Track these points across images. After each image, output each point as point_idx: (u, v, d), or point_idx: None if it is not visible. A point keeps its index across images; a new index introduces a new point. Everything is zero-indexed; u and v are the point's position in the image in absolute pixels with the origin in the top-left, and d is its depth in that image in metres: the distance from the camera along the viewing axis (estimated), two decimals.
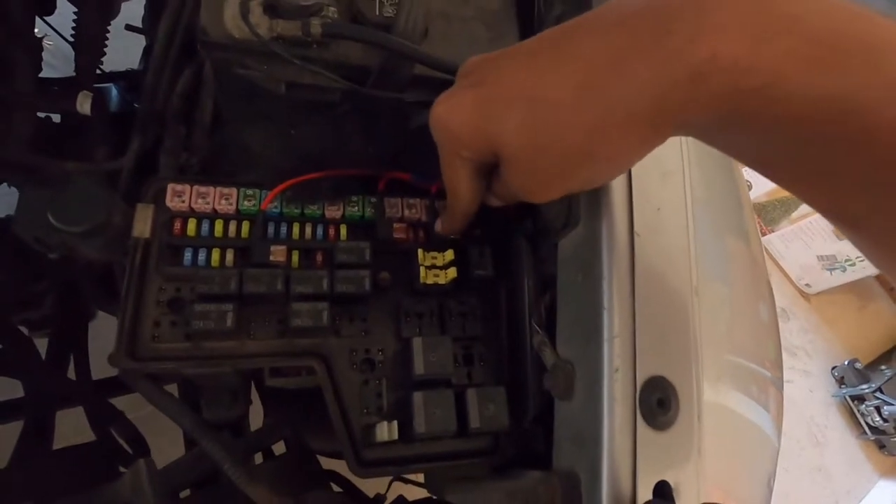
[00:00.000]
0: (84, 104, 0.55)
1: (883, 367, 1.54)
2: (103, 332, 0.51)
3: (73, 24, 0.69)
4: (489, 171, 0.27)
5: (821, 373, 1.62)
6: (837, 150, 0.17)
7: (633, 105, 0.19)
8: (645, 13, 0.18)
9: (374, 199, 0.34)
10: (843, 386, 1.57)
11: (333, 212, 0.33)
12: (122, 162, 0.42)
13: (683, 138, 0.31)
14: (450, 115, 0.24)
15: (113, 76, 0.76)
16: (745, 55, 0.16)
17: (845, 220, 0.19)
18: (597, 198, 0.28)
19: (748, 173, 1.35)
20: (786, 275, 1.72)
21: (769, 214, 1.65)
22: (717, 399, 0.35)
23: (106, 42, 0.72)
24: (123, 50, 0.81)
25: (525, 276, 0.33)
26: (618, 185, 0.27)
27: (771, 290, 0.49)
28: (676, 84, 0.17)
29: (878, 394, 1.47)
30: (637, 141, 0.20)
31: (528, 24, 0.37)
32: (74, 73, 0.68)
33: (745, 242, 0.46)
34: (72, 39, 0.68)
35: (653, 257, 0.27)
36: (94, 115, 0.55)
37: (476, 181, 0.27)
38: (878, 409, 1.46)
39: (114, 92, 0.74)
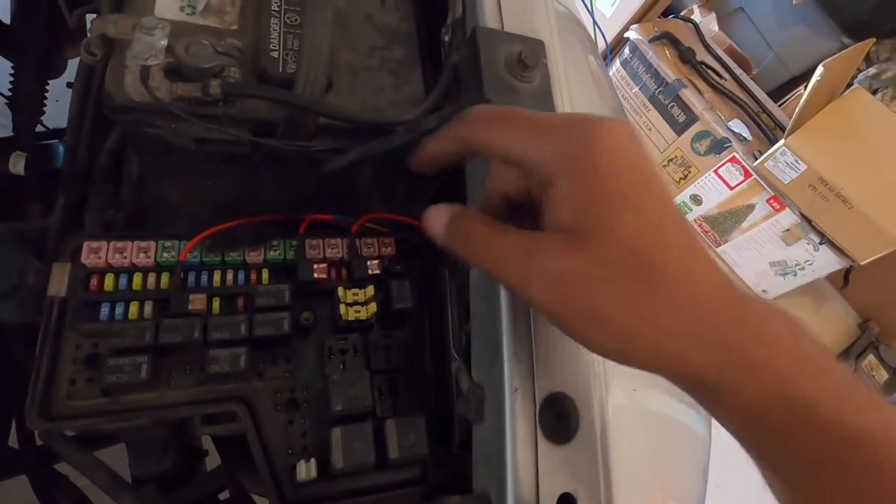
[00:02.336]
0: (17, 164, 0.55)
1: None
2: None
3: (10, 83, 0.69)
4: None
5: None
6: (844, 474, 0.19)
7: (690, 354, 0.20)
8: (730, 297, 0.21)
9: (295, 242, 0.35)
10: None
11: (255, 257, 0.34)
12: (49, 221, 0.43)
13: None
14: (625, 155, 0.21)
15: (58, 132, 0.77)
16: (788, 369, 0.19)
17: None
18: None
19: (698, 188, 1.41)
20: (744, 283, 1.78)
21: (721, 226, 1.73)
22: (639, 403, 0.37)
23: (44, 99, 0.73)
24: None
25: (448, 304, 0.35)
26: None
27: None
28: (730, 362, 0.20)
29: None
30: (658, 368, 0.21)
31: (437, 68, 0.40)
32: (12, 132, 0.68)
33: None
34: (8, 96, 0.68)
35: None
36: (28, 175, 0.56)
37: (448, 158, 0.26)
38: None
39: (60, 148, 0.74)
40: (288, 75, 0.31)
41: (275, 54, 0.31)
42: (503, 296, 0.28)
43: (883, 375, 1.62)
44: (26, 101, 0.66)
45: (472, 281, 0.32)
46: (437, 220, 0.25)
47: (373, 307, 0.34)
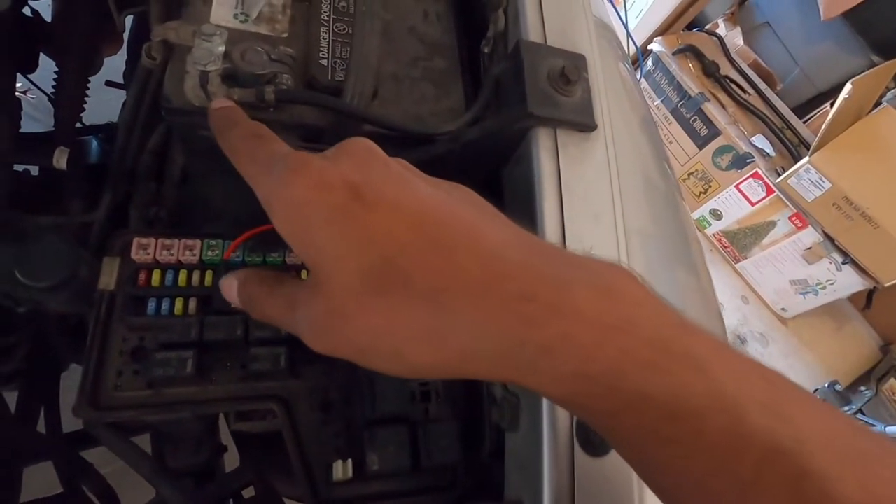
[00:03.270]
0: (60, 159, 0.57)
1: (862, 388, 1.57)
2: (75, 384, 0.51)
3: (54, 81, 0.72)
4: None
5: None
6: (672, 449, 0.17)
7: (480, 354, 0.19)
8: (514, 276, 0.19)
9: None
10: None
11: (294, 258, 0.35)
12: (94, 215, 0.44)
13: (615, 179, 0.33)
14: (314, 190, 0.20)
15: (93, 129, 0.79)
16: (590, 344, 0.17)
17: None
18: None
19: (718, 203, 1.40)
20: (762, 300, 1.76)
21: (740, 242, 1.71)
22: None
23: (86, 97, 0.75)
24: (106, 102, 0.84)
25: None
26: (551, 229, 0.30)
27: (723, 322, 0.51)
28: (524, 347, 0.18)
29: (859, 415, 1.48)
30: (455, 374, 0.20)
31: (476, 79, 0.40)
32: (54, 128, 0.70)
33: (694, 276, 0.49)
34: (52, 94, 0.71)
35: None
36: (70, 170, 0.57)
37: None
38: None
39: (94, 144, 0.76)
40: (337, 83, 0.32)
41: (324, 62, 0.32)
42: None
43: None
44: (68, 98, 0.68)
45: None
46: (231, 289, 0.25)
47: None
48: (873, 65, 1.58)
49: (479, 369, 0.19)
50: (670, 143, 1.73)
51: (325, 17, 0.34)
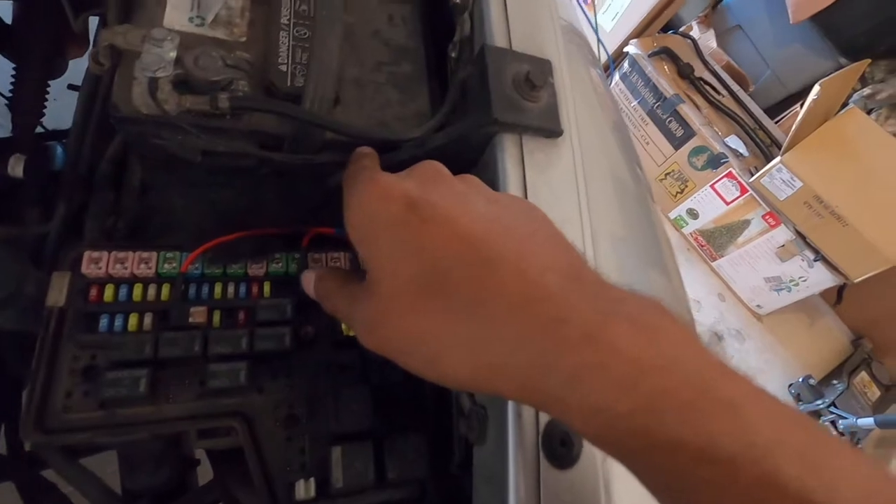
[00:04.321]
0: (16, 167, 0.54)
1: (835, 381, 1.60)
2: None
3: (11, 83, 0.69)
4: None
5: (778, 390, 1.66)
6: (705, 492, 0.17)
7: (510, 372, 0.19)
8: (552, 299, 0.19)
9: (297, 255, 0.35)
10: (799, 402, 1.62)
11: (257, 270, 0.34)
12: (48, 226, 0.42)
13: (581, 185, 0.33)
14: (378, 201, 0.23)
15: (57, 134, 0.76)
16: (623, 379, 0.17)
17: None
18: None
19: (694, 202, 1.42)
20: (738, 298, 1.79)
21: (716, 240, 1.74)
22: None
23: (45, 101, 0.72)
24: (72, 106, 0.81)
25: None
26: None
27: (694, 323, 0.51)
28: (553, 371, 0.18)
29: (832, 408, 1.52)
30: (483, 389, 0.21)
31: (444, 82, 0.40)
32: (11, 133, 0.67)
33: (666, 277, 0.49)
34: (8, 96, 0.68)
35: None
36: (27, 178, 0.55)
37: None
38: (833, 423, 1.51)
39: (58, 150, 0.73)
40: (296, 89, 0.31)
41: (283, 68, 0.31)
42: None
43: (875, 393, 1.63)
44: (27, 102, 0.66)
45: None
46: (309, 282, 0.29)
47: None
48: (840, 66, 1.63)
49: (506, 387, 0.20)
50: (647, 144, 1.76)
51: (285, 21, 0.33)
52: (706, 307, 1.75)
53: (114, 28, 0.28)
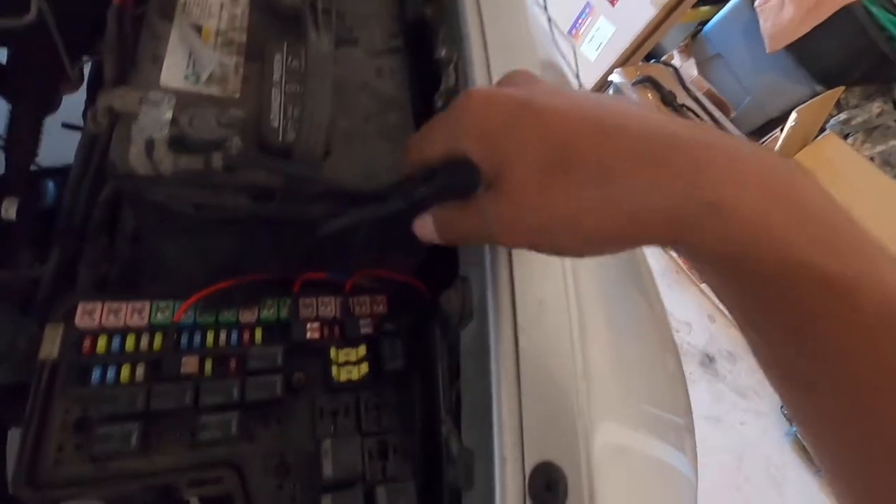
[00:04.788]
0: (10, 210, 0.55)
1: None
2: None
3: (7, 122, 0.70)
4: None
5: (772, 412, 1.67)
6: (818, 314, 0.18)
7: (648, 216, 0.21)
8: (686, 148, 0.20)
9: (288, 301, 0.36)
10: (793, 424, 1.62)
11: (248, 316, 0.34)
12: (42, 270, 0.43)
13: None
14: (487, 106, 0.24)
15: (50, 172, 0.77)
16: (760, 209, 0.19)
17: (800, 384, 0.21)
18: (484, 295, 0.31)
19: None
20: (728, 319, 1.81)
21: None
22: (629, 439, 0.37)
23: (39, 140, 0.73)
24: (65, 142, 0.82)
25: (438, 363, 0.35)
26: (503, 282, 0.30)
27: (675, 343, 0.52)
28: (693, 204, 0.20)
29: None
30: (625, 241, 0.23)
31: None
32: (4, 172, 0.68)
33: (646, 302, 0.50)
34: (3, 137, 0.69)
35: (538, 349, 0.29)
36: (20, 220, 0.55)
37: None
38: None
39: (50, 186, 0.74)
40: (288, 144, 0.32)
41: (275, 123, 0.33)
42: (493, 357, 0.29)
43: None
44: (21, 142, 0.67)
45: (464, 343, 0.33)
46: (426, 227, 0.29)
47: (364, 367, 0.34)
48: (817, 93, 1.69)
49: (648, 233, 0.21)
50: None
51: (277, 78, 0.35)
52: (697, 329, 1.76)
53: (112, 91, 0.29)
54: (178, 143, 0.29)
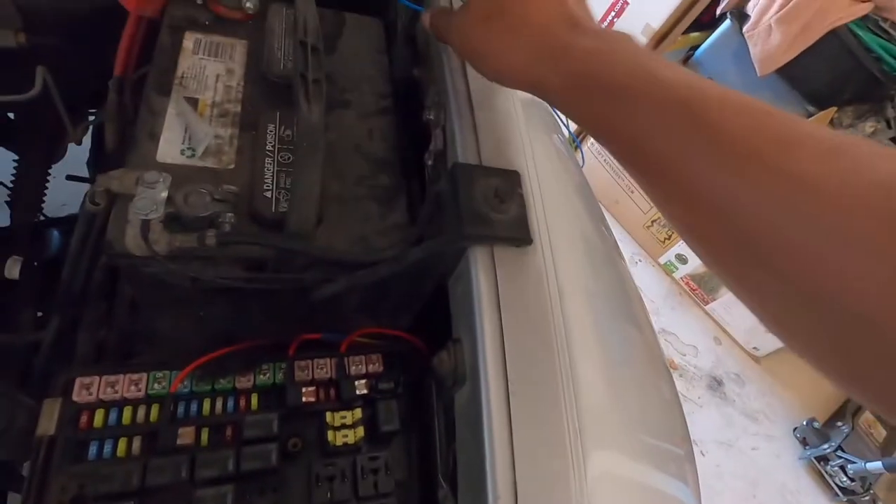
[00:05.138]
0: (13, 269, 0.56)
1: (839, 423, 1.58)
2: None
3: (13, 175, 0.71)
4: None
5: (784, 435, 1.64)
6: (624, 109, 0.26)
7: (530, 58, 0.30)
8: (579, 27, 0.29)
9: (283, 365, 0.36)
10: (806, 447, 1.59)
11: (244, 382, 0.35)
12: (41, 335, 0.43)
13: (553, 290, 0.35)
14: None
15: (54, 221, 0.79)
16: (591, 51, 0.28)
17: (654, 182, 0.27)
18: (475, 360, 0.31)
19: (682, 247, 1.45)
20: (734, 340, 1.79)
21: (707, 284, 1.75)
22: (634, 477, 0.37)
23: (45, 193, 0.75)
24: (69, 188, 0.84)
25: (434, 422, 0.36)
26: (493, 347, 0.31)
27: (668, 370, 0.52)
28: (544, 57, 0.29)
29: (839, 452, 1.49)
30: (521, 85, 0.32)
31: (422, 182, 0.42)
32: (10, 223, 0.69)
33: (637, 329, 0.50)
34: (10, 189, 0.70)
35: (530, 413, 0.30)
36: (22, 280, 0.57)
37: None
38: (842, 468, 1.48)
39: (55, 235, 0.76)
40: (280, 215, 0.33)
41: (268, 194, 0.34)
42: (485, 424, 0.29)
43: (881, 433, 1.60)
44: (27, 197, 0.68)
45: (458, 406, 0.33)
46: (426, 19, 0.39)
47: (360, 431, 0.34)
48: (810, 114, 1.70)
49: (528, 75, 0.30)
50: (632, 192, 1.81)
51: (270, 148, 0.36)
52: (703, 352, 1.74)
53: (109, 174, 0.30)
54: (174, 220, 0.30)
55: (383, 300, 0.39)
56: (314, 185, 0.33)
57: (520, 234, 0.34)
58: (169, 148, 0.34)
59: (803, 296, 0.20)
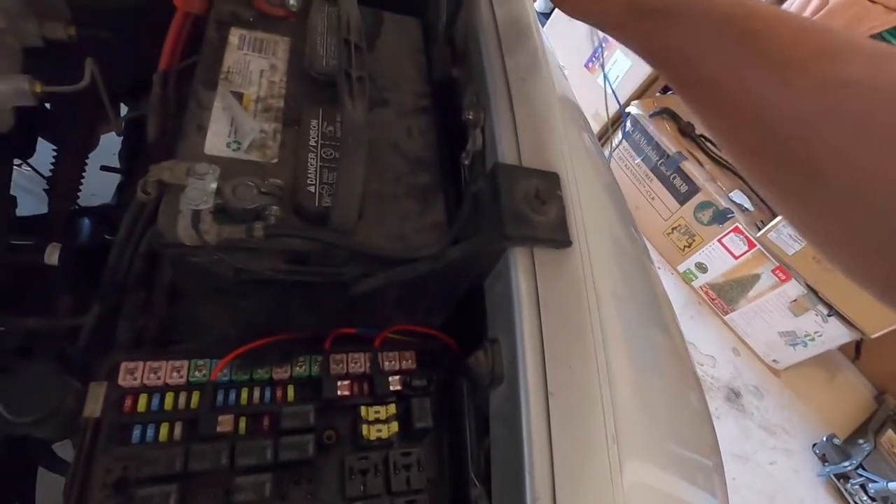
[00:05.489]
0: (52, 255, 0.57)
1: (861, 441, 1.55)
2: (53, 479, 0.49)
3: (52, 165, 0.73)
4: None
5: (803, 451, 1.61)
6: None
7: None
8: None
9: (319, 358, 0.36)
10: (826, 464, 1.55)
11: (281, 374, 0.35)
12: (82, 320, 0.44)
13: (591, 293, 0.35)
14: None
15: (87, 210, 0.80)
16: None
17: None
18: (514, 359, 0.31)
19: (702, 256, 1.43)
20: (753, 352, 1.76)
21: (727, 294, 1.73)
22: (661, 490, 0.36)
23: (82, 182, 0.77)
24: (101, 177, 0.86)
25: (466, 423, 0.36)
26: (532, 348, 0.31)
27: (698, 378, 0.52)
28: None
29: (860, 470, 1.46)
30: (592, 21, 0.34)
31: (458, 184, 0.43)
32: (48, 212, 0.71)
33: (667, 336, 0.50)
34: (48, 177, 0.72)
35: (569, 415, 0.30)
36: (61, 266, 0.58)
37: None
38: (863, 486, 1.45)
39: (86, 223, 0.77)
40: (323, 209, 0.33)
41: (311, 189, 0.34)
42: (524, 424, 0.29)
43: None
44: (64, 185, 0.70)
45: (493, 406, 0.33)
46: None
47: (394, 426, 0.35)
48: None
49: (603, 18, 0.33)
50: (652, 199, 1.79)
51: (313, 143, 0.36)
52: (721, 362, 1.72)
53: (161, 164, 0.31)
54: (223, 212, 0.31)
55: (419, 298, 0.39)
56: (358, 182, 0.33)
57: (560, 237, 0.34)
58: (216, 141, 0.35)
59: (848, 198, 0.21)
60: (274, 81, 0.40)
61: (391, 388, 0.36)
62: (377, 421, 0.35)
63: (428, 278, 0.35)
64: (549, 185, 0.35)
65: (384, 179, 0.38)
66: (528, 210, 0.34)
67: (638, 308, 0.45)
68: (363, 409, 0.35)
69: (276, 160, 0.36)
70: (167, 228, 0.30)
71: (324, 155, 0.36)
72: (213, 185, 0.30)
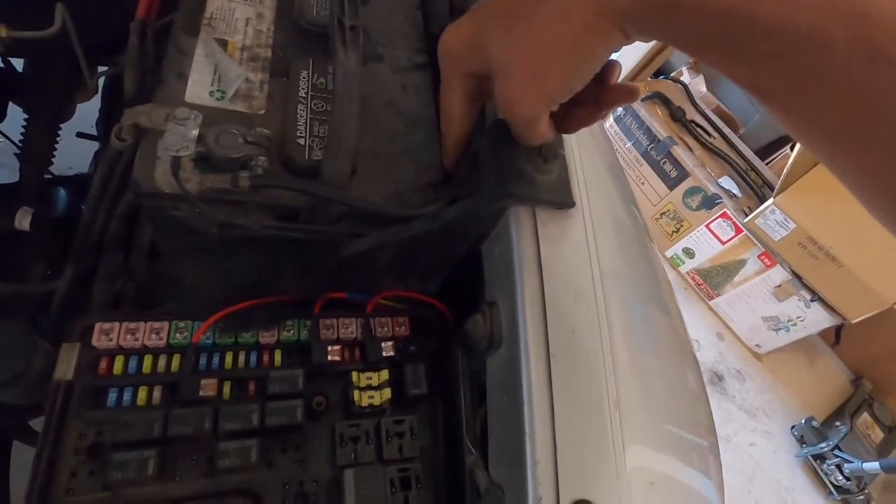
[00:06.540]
0: (23, 221, 0.55)
1: (837, 423, 1.59)
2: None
3: (22, 132, 0.69)
4: (483, 96, 0.32)
5: (782, 433, 1.64)
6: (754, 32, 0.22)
7: (580, 8, 0.24)
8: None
9: (308, 322, 0.35)
10: (803, 445, 1.59)
11: (268, 338, 0.33)
12: (55, 285, 0.42)
13: (594, 256, 0.33)
14: (452, 37, 0.30)
15: (62, 179, 0.77)
16: None
17: (759, 93, 0.25)
18: (514, 322, 0.30)
19: (690, 241, 1.44)
20: (737, 337, 1.79)
21: (713, 280, 1.75)
22: (659, 468, 0.36)
23: (55, 150, 0.73)
24: (77, 150, 0.82)
25: (461, 390, 0.34)
26: (533, 310, 0.29)
27: (696, 360, 0.51)
28: None
29: (836, 451, 1.50)
30: (590, 36, 0.25)
31: None
32: (18, 180, 0.67)
33: (666, 315, 0.49)
34: (20, 145, 0.68)
35: (571, 378, 0.28)
36: (33, 232, 0.55)
37: (467, 104, 0.32)
38: (839, 467, 1.48)
39: (62, 194, 0.74)
40: (314, 163, 0.31)
41: (301, 141, 0.32)
42: (525, 387, 0.28)
43: (879, 434, 1.61)
44: (36, 152, 0.66)
45: (491, 371, 0.32)
46: None
47: (387, 393, 0.33)
48: None
49: (591, 29, 0.25)
50: (642, 183, 1.79)
51: (303, 95, 0.34)
52: (705, 346, 1.74)
53: (137, 107, 0.29)
54: (205, 161, 0.28)
55: (414, 262, 0.37)
56: (352, 133, 0.31)
57: (563, 198, 0.33)
58: (197, 89, 0.33)
59: None
60: (261, 30, 0.37)
61: (384, 353, 0.35)
62: (369, 387, 0.34)
63: (424, 240, 0.33)
64: (552, 143, 0.34)
65: (378, 137, 0.36)
66: (530, 168, 0.32)
67: (640, 281, 0.44)
68: (354, 374, 0.33)
69: (263, 111, 0.33)
70: (144, 176, 0.28)
71: (314, 107, 0.34)
72: (195, 132, 0.28)
